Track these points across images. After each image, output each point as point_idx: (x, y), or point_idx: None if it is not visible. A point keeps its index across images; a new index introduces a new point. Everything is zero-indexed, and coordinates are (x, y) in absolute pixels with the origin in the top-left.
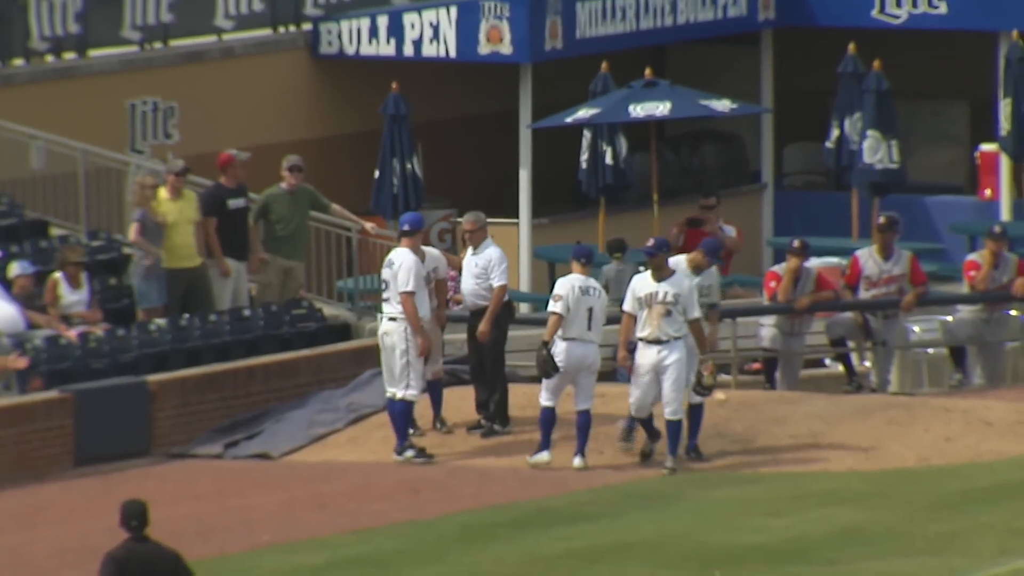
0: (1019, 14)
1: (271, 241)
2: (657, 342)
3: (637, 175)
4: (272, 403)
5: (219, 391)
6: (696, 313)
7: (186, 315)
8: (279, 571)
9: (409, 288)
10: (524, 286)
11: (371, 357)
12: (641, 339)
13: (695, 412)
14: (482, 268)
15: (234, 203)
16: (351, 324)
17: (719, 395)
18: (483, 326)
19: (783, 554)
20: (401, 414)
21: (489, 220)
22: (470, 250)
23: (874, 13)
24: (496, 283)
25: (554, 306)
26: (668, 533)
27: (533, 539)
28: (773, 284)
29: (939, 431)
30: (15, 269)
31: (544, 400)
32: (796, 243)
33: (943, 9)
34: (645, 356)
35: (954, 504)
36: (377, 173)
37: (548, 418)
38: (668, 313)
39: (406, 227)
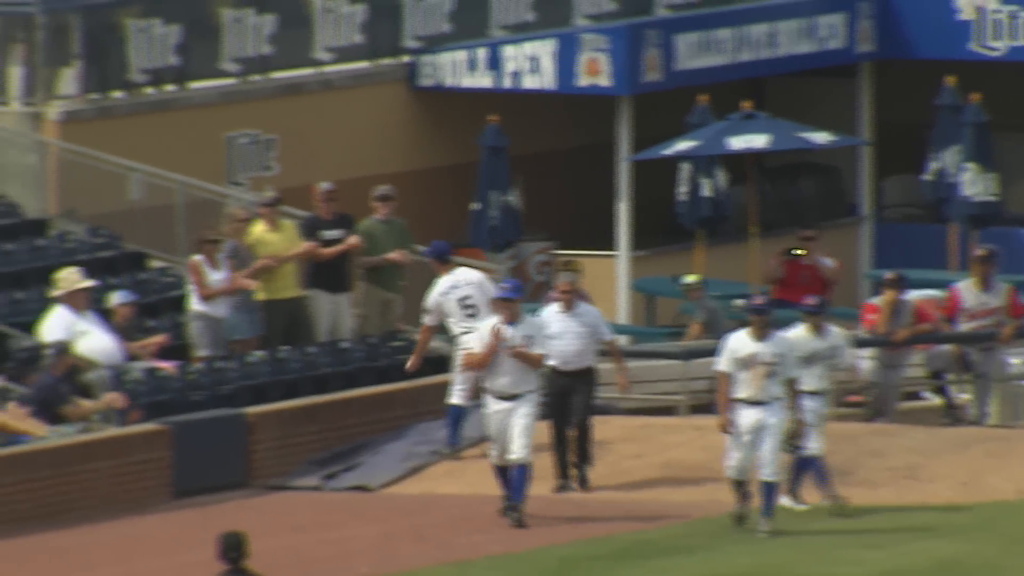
0: None
1: (369, 272)
2: (759, 403)
3: (735, 207)
4: (370, 435)
5: (317, 423)
6: (795, 373)
7: (284, 347)
8: None
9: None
10: (622, 318)
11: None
12: (740, 400)
13: (804, 463)
14: (588, 327)
15: (329, 234)
16: (448, 356)
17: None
18: (622, 379)
19: None
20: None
21: (587, 252)
22: (555, 310)
23: (972, 46)
24: (610, 337)
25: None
26: (765, 566)
27: (630, 572)
28: (871, 316)
29: (1016, 469)
30: (116, 298)
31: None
32: (891, 276)
33: None
34: (746, 417)
35: None
36: (475, 205)
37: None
38: (770, 374)
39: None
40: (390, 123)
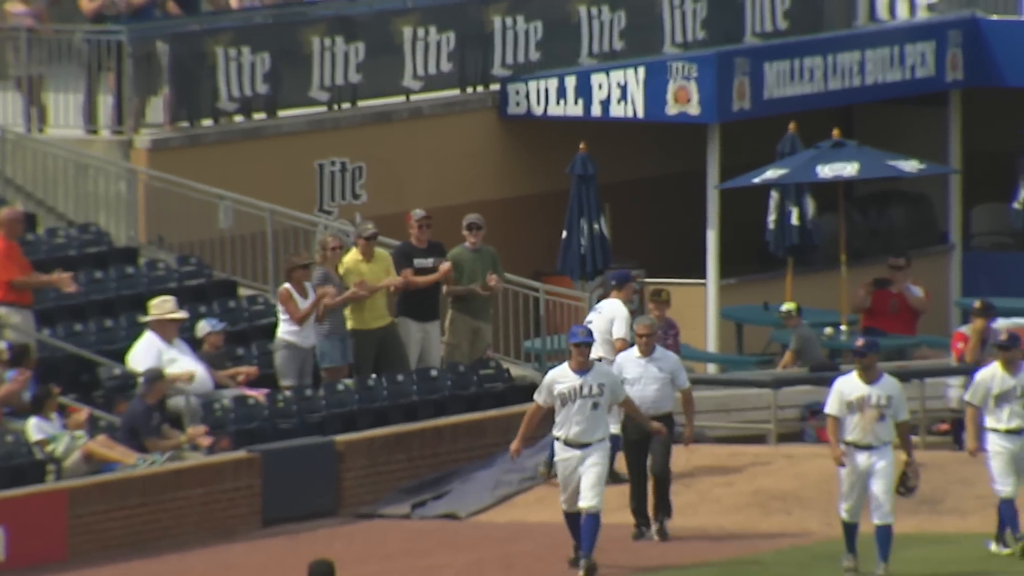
0: None
1: (458, 301)
2: (868, 447)
3: (824, 235)
4: (459, 463)
5: (406, 451)
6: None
7: (373, 375)
8: None
9: (623, 335)
10: (711, 346)
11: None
12: (850, 443)
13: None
14: (668, 373)
15: (421, 262)
16: (538, 384)
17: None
18: (689, 431)
19: None
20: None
21: (676, 280)
22: (633, 355)
23: None
24: (687, 383)
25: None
26: None
27: None
28: (960, 345)
29: None
30: (204, 327)
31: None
32: (978, 304)
33: None
34: (856, 460)
35: None
36: (565, 233)
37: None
38: (882, 417)
39: (613, 282)
40: (479, 151)
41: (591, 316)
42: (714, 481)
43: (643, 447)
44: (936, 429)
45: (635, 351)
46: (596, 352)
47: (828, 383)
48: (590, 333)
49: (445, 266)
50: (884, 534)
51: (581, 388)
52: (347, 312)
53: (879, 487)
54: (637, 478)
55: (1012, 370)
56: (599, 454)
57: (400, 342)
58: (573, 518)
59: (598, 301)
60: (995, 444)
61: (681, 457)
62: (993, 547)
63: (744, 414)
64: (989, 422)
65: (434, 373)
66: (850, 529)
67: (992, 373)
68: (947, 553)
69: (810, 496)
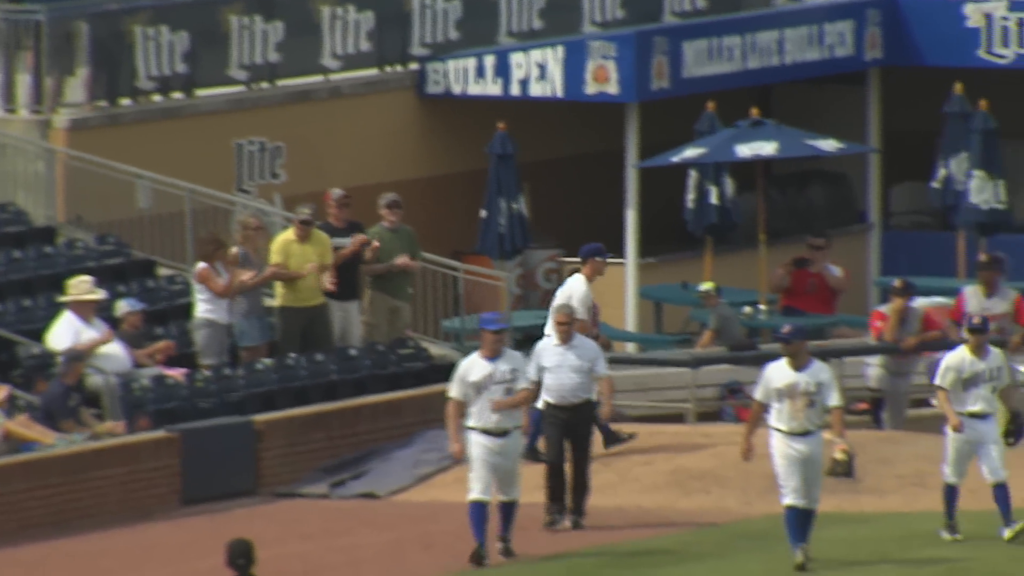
0: None
1: (377, 280)
2: (804, 434)
3: (744, 215)
4: (379, 442)
5: (325, 430)
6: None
7: (293, 354)
8: None
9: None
10: (630, 326)
11: None
12: (779, 431)
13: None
14: (587, 361)
15: (340, 241)
16: (457, 363)
17: (838, 454)
18: (607, 411)
19: None
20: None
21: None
22: (551, 342)
23: (980, 53)
24: (606, 372)
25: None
26: (775, 573)
27: None
28: (879, 324)
29: None
30: (123, 307)
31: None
32: (898, 283)
33: None
34: (790, 447)
35: None
36: (484, 212)
37: None
38: (812, 403)
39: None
40: (398, 130)
41: (558, 291)
42: (633, 460)
43: (563, 430)
44: (854, 408)
45: (553, 339)
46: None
47: (747, 363)
48: (502, 320)
49: (359, 237)
50: (809, 521)
51: (493, 375)
52: (279, 288)
53: (813, 473)
54: (555, 468)
55: (981, 354)
56: (517, 442)
57: (328, 322)
58: (482, 508)
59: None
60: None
61: (599, 436)
62: (946, 536)
63: (663, 393)
64: (956, 405)
65: (353, 352)
66: (793, 515)
67: (961, 356)
68: (866, 532)
69: (729, 475)
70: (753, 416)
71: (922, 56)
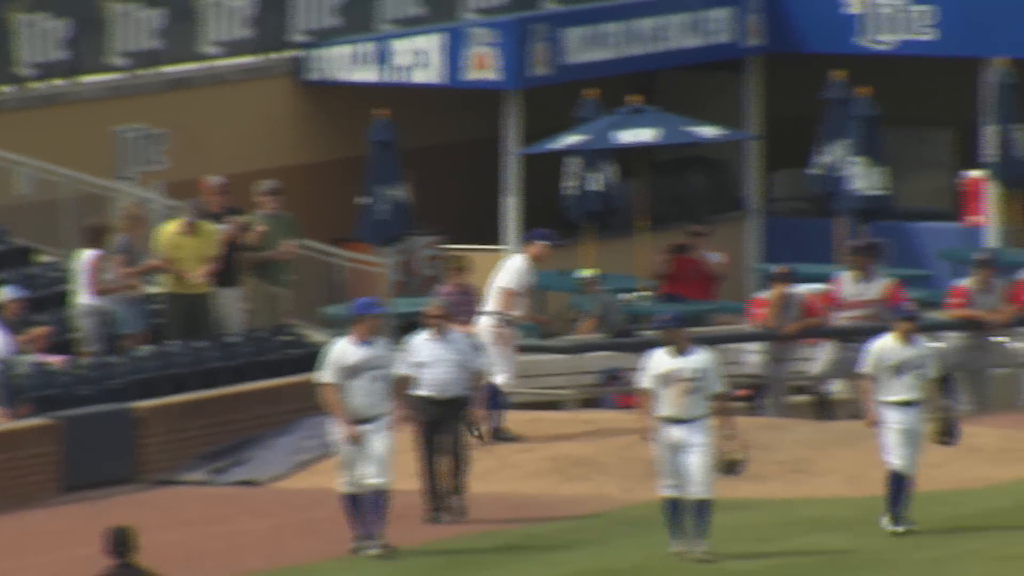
0: (1005, 40)
1: (256, 267)
2: (682, 422)
3: (624, 201)
4: (259, 429)
5: (206, 417)
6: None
7: (174, 341)
8: None
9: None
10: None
11: None
12: (663, 418)
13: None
14: (461, 355)
15: (220, 228)
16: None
17: (737, 454)
18: (479, 411)
19: None
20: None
21: (475, 247)
22: (426, 336)
23: (861, 39)
24: (482, 366)
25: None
26: (655, 560)
27: (519, 566)
28: (760, 310)
29: (926, 457)
30: (5, 294)
31: None
32: (779, 270)
33: (930, 36)
34: (669, 436)
35: (941, 531)
36: (363, 199)
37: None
38: (692, 391)
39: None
40: (278, 117)
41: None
42: (514, 447)
43: (438, 427)
44: (735, 395)
45: (427, 333)
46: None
47: (627, 349)
48: (376, 305)
49: (261, 227)
50: (702, 510)
51: (369, 360)
52: (163, 275)
53: (695, 463)
54: (431, 459)
55: (908, 341)
56: (385, 428)
57: (211, 309)
58: (355, 500)
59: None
60: (890, 417)
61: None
62: (888, 526)
63: (543, 380)
64: (883, 394)
65: (233, 339)
66: (671, 505)
67: (886, 344)
68: (747, 519)
69: (609, 462)
70: (644, 405)
71: (803, 43)
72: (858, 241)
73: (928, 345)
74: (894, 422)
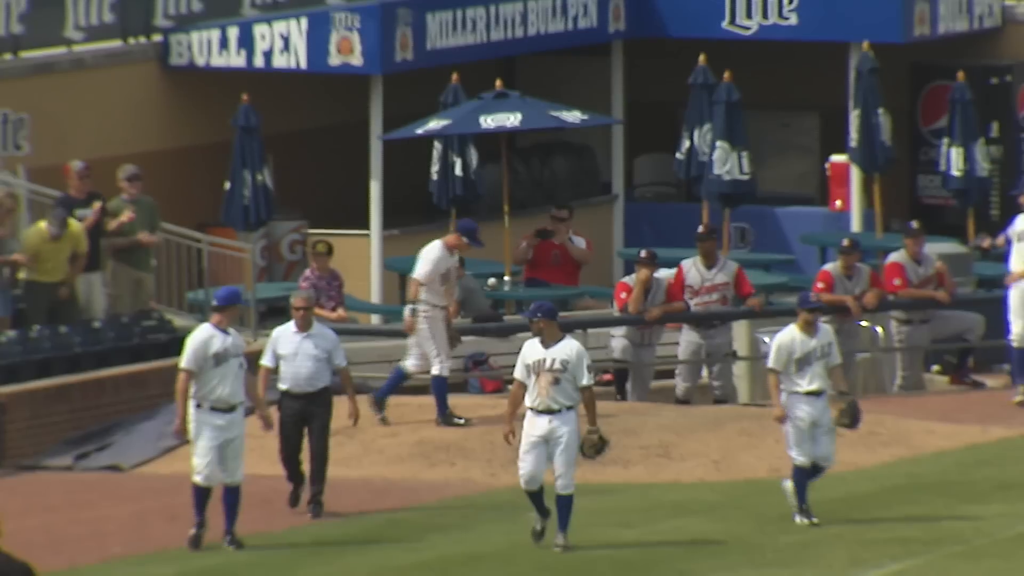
0: (869, 25)
1: (118, 252)
2: (548, 412)
3: (488, 186)
4: (123, 415)
5: (69, 403)
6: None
7: (36, 326)
8: None
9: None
10: (375, 298)
11: None
12: (530, 408)
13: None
14: (324, 350)
15: (82, 213)
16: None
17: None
18: (352, 408)
19: (634, 565)
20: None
21: (340, 232)
22: (290, 329)
23: (725, 24)
24: (344, 362)
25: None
26: (519, 544)
27: (384, 551)
28: (624, 295)
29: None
30: None
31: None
32: (644, 254)
33: (793, 20)
34: (535, 426)
35: None
36: (228, 185)
37: None
38: (557, 381)
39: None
40: (142, 102)
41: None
42: (378, 432)
43: (301, 423)
44: (599, 379)
45: (291, 325)
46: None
47: (491, 334)
48: (232, 296)
49: (127, 215)
50: (564, 504)
51: (232, 349)
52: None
53: (560, 455)
54: (293, 455)
55: (811, 332)
56: (243, 421)
57: (75, 295)
58: (204, 493)
59: None
60: (796, 409)
61: (344, 408)
62: (801, 520)
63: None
64: (789, 385)
65: (97, 324)
66: (533, 496)
67: (791, 336)
68: (610, 503)
69: (473, 447)
70: (513, 397)
71: (666, 28)
72: (703, 227)
73: (830, 330)
74: (801, 416)
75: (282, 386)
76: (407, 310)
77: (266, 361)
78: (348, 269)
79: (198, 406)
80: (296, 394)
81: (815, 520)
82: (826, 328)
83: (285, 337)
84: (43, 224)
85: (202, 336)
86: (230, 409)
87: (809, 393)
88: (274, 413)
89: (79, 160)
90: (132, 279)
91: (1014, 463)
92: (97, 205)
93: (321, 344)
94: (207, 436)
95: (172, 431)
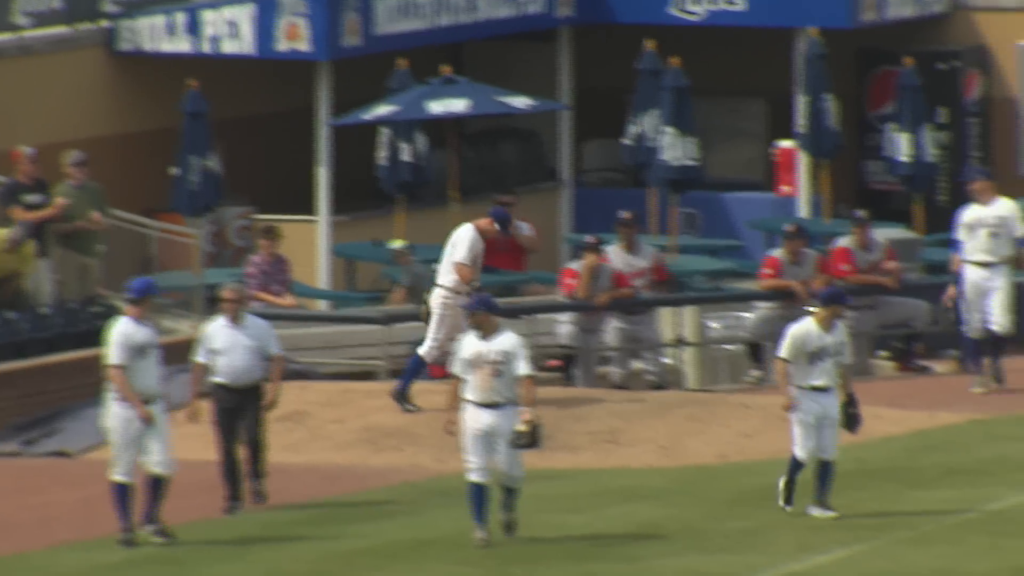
0: (816, 11)
1: (65, 238)
2: (490, 405)
3: (436, 172)
4: (70, 401)
5: (16, 388)
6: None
7: None
8: (78, 569)
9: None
10: (323, 283)
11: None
12: (472, 402)
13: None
14: (258, 341)
15: (29, 199)
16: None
17: (520, 425)
18: (272, 395)
19: (582, 551)
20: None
21: (287, 217)
22: (221, 322)
23: (672, 10)
24: (279, 352)
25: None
26: (467, 530)
27: (332, 537)
28: (571, 281)
29: (738, 428)
30: None
31: None
32: (591, 240)
33: (741, 6)
34: (478, 420)
35: (753, 501)
36: (175, 170)
37: None
38: (498, 374)
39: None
40: (90, 88)
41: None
42: (325, 418)
43: (233, 418)
44: (547, 365)
45: (222, 319)
46: (445, 280)
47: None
48: (144, 288)
49: (61, 201)
50: (511, 496)
51: (152, 340)
52: None
53: (505, 448)
54: (229, 447)
55: (828, 327)
56: (164, 413)
57: (22, 287)
58: (124, 490)
59: None
60: (803, 403)
61: (292, 394)
62: (825, 513)
63: (355, 351)
64: (799, 379)
65: (45, 311)
66: (477, 492)
67: (807, 329)
68: (558, 489)
69: (421, 433)
70: (453, 392)
71: (614, 13)
72: (626, 213)
73: (844, 328)
74: (806, 411)
75: (217, 379)
76: (447, 293)
77: (200, 358)
78: (296, 255)
79: (117, 400)
80: (232, 388)
81: (835, 514)
82: (842, 326)
83: (217, 332)
84: (3, 231)
85: (125, 329)
86: (149, 402)
87: (815, 388)
88: (207, 407)
89: (27, 146)
90: (78, 265)
91: (961, 448)
92: (61, 203)
93: (255, 335)
94: (126, 430)
95: (136, 421)
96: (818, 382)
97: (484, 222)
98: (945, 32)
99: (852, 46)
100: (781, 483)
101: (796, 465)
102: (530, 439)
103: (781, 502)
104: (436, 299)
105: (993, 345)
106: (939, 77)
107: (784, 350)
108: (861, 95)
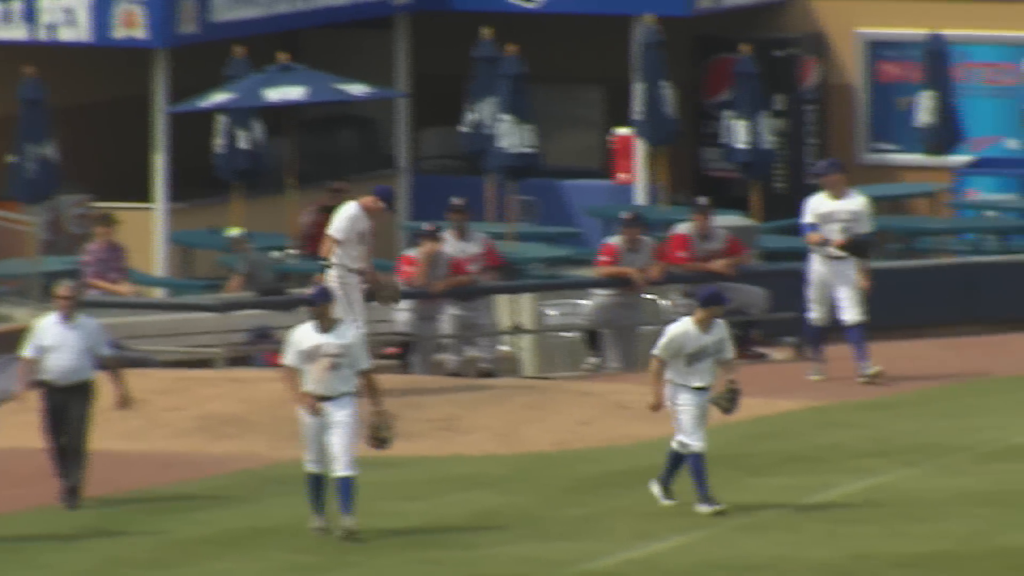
0: None
1: None
2: (325, 398)
3: (274, 160)
4: None
5: None
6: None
7: None
8: None
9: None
10: (161, 271)
11: (7, 343)
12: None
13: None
14: (88, 341)
15: None
16: None
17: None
18: (119, 397)
19: (419, 539)
20: None
21: (125, 205)
22: (53, 320)
23: None
24: (109, 353)
25: None
26: (305, 518)
27: (169, 525)
28: (408, 268)
29: (575, 415)
30: None
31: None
32: (428, 227)
33: None
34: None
35: (590, 488)
36: (12, 158)
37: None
38: (335, 367)
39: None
40: None
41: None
42: (162, 405)
43: (60, 416)
44: (384, 353)
45: (55, 316)
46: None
47: (276, 308)
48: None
49: None
50: (345, 486)
51: (69, 335)
52: None
53: (337, 439)
54: (58, 445)
55: (706, 328)
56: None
57: None
58: None
59: None
60: (684, 400)
61: (129, 381)
62: (662, 499)
63: (192, 338)
64: (678, 378)
65: None
66: (314, 481)
67: (685, 329)
68: (395, 476)
69: (258, 420)
70: (292, 382)
71: (451, 1)
72: (456, 200)
73: (724, 326)
74: (688, 404)
75: (45, 377)
76: (320, 267)
77: (29, 352)
78: (133, 242)
79: (45, 384)
80: (59, 386)
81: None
82: (721, 324)
83: (49, 328)
84: None
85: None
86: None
87: (695, 389)
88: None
89: None
90: None
91: (799, 436)
92: None
93: (86, 335)
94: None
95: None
96: (697, 383)
97: (368, 200)
98: (782, 19)
99: (689, 33)
100: (657, 484)
101: (698, 460)
102: (387, 434)
103: (661, 497)
104: (332, 280)
105: (824, 332)
106: (776, 64)
107: (660, 349)
108: (698, 82)
